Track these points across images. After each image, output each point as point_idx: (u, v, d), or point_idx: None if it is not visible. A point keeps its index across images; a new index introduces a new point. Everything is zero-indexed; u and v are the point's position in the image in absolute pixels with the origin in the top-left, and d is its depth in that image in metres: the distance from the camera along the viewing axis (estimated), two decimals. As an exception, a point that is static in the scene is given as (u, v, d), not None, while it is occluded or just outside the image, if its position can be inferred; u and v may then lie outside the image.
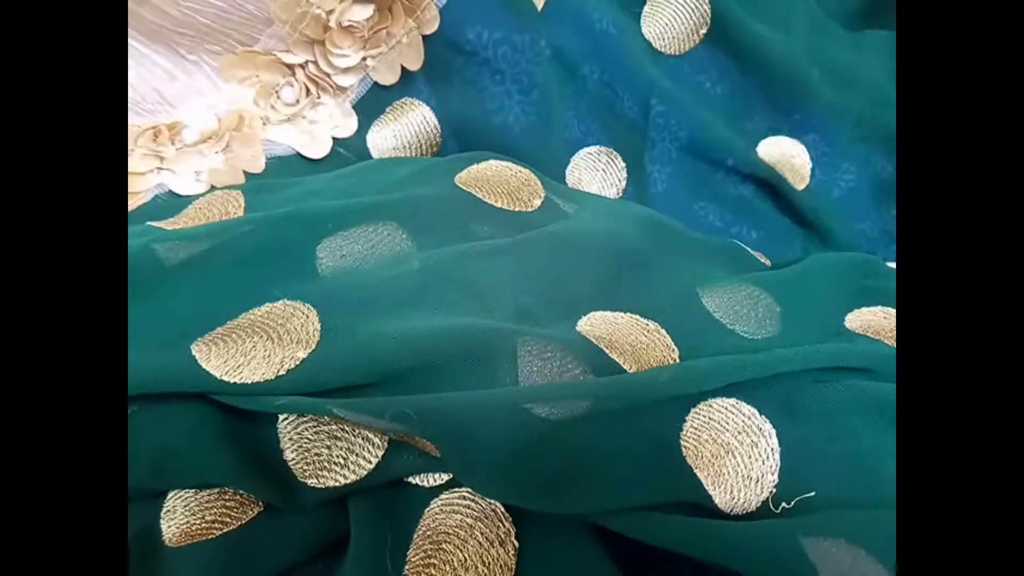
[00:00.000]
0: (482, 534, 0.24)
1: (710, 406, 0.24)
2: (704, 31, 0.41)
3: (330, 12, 0.36)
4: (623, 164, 0.42)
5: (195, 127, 0.37)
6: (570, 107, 0.41)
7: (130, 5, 0.35)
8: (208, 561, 0.24)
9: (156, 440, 0.25)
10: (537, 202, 0.35)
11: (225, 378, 0.25)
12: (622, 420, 0.24)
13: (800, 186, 0.42)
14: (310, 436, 0.26)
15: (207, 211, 0.33)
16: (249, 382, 0.25)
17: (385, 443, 0.25)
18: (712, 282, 0.30)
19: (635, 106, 0.41)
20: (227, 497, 0.25)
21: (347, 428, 0.26)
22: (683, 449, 0.24)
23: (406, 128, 0.39)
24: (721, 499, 0.23)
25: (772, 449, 0.24)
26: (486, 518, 0.24)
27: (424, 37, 0.37)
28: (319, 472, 0.25)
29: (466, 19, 0.38)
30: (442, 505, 0.25)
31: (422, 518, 0.25)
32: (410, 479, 0.26)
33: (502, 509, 0.25)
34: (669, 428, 0.24)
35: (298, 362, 0.26)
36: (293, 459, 0.25)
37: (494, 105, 0.39)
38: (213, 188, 0.36)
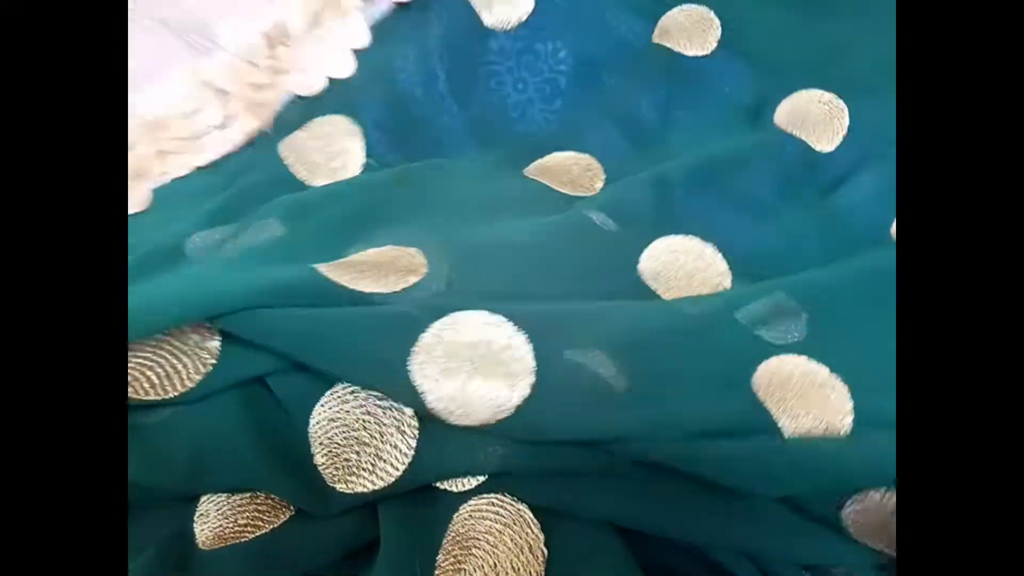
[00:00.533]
0: (512, 540, 0.24)
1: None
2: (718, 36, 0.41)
3: None
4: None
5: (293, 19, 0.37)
6: (592, 114, 0.41)
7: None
8: (240, 564, 0.25)
9: (192, 443, 0.25)
10: (599, 185, 0.37)
11: (348, 285, 0.27)
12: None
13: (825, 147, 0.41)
14: (339, 441, 0.26)
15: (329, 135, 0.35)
16: (367, 291, 0.27)
17: (412, 450, 0.26)
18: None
19: (655, 112, 0.41)
20: (259, 501, 0.26)
21: (376, 435, 0.26)
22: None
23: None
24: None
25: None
26: (515, 524, 0.25)
27: (449, 48, 0.38)
28: (347, 477, 0.26)
29: (490, 29, 0.38)
30: (471, 511, 0.25)
31: (451, 523, 0.25)
32: (439, 484, 0.26)
33: (530, 515, 0.25)
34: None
35: (410, 284, 0.28)
36: (323, 464, 0.26)
37: (517, 113, 0.39)
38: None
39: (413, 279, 0.29)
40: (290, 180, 0.34)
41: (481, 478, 0.26)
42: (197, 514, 0.26)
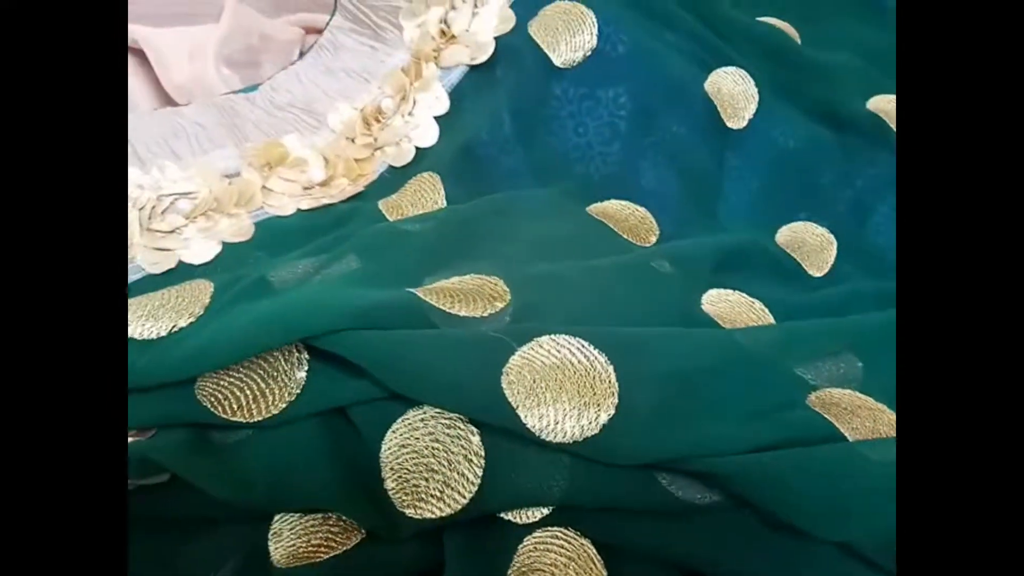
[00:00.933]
0: (575, 573, 0.25)
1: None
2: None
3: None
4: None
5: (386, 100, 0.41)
6: (647, 157, 0.42)
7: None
8: (316, 583, 0.25)
9: (270, 464, 0.26)
10: (653, 239, 0.38)
11: (443, 307, 0.29)
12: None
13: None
14: (409, 467, 0.27)
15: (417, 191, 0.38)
16: (462, 315, 0.29)
17: (479, 479, 0.27)
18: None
19: (710, 158, 0.42)
20: (331, 523, 0.27)
21: (444, 463, 0.27)
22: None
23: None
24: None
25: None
26: (579, 558, 0.25)
27: (512, 82, 0.40)
28: (416, 503, 0.26)
29: (552, 75, 0.40)
30: (536, 543, 0.26)
31: (516, 554, 0.26)
32: (504, 515, 0.27)
33: (594, 551, 0.26)
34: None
35: (497, 310, 0.29)
36: (393, 488, 0.27)
37: (576, 155, 0.41)
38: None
39: (500, 305, 0.30)
40: (388, 228, 0.36)
41: (545, 510, 0.26)
42: (271, 532, 0.27)
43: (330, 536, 0.27)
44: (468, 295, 0.30)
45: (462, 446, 0.27)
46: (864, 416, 0.28)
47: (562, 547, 0.26)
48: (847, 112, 0.42)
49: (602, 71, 0.41)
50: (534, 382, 0.27)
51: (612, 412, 0.26)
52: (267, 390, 0.27)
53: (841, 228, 0.42)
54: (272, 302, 0.29)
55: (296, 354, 0.28)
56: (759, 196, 0.42)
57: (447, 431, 0.27)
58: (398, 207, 0.38)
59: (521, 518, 0.27)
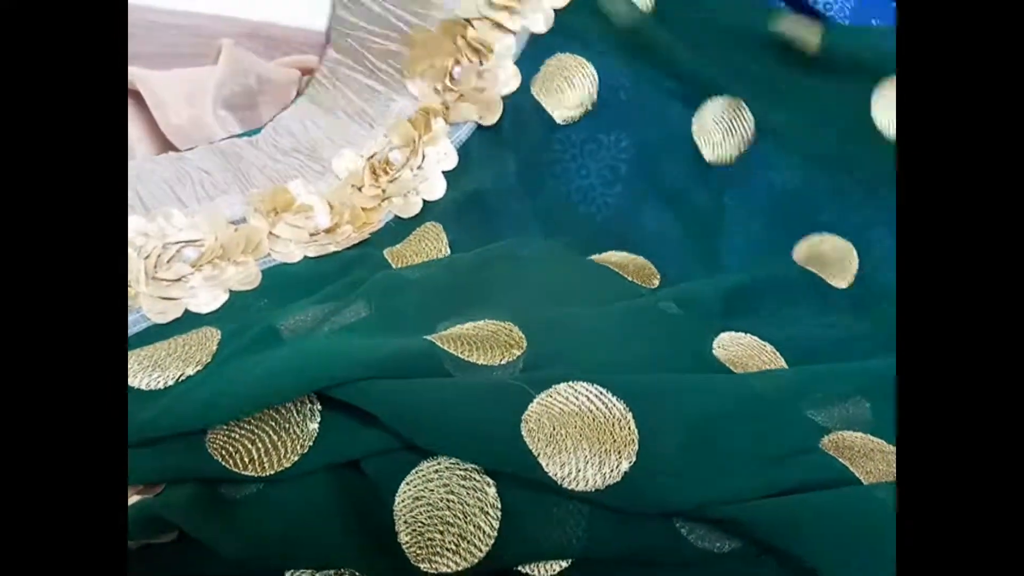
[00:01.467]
0: (597, 628, 0.24)
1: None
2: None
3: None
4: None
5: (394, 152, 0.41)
6: (648, 199, 0.43)
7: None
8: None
9: (281, 520, 0.26)
10: (656, 282, 0.40)
11: (459, 354, 0.29)
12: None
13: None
14: (424, 520, 0.27)
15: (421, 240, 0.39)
16: (479, 363, 0.29)
17: (495, 532, 0.26)
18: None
19: (710, 199, 0.43)
20: (344, 578, 0.26)
21: (460, 515, 0.26)
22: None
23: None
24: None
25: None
26: (599, 611, 0.25)
27: (517, 139, 0.40)
28: (431, 557, 0.26)
29: (556, 127, 0.41)
30: (553, 598, 0.25)
31: (535, 608, 0.25)
32: (523, 568, 0.26)
33: None
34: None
35: (514, 357, 0.29)
36: (407, 542, 0.26)
37: (578, 197, 0.41)
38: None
39: (516, 352, 0.30)
40: (394, 276, 0.37)
41: (564, 563, 0.26)
42: None
43: (344, 593, 0.26)
44: (484, 342, 0.30)
45: (478, 498, 0.27)
46: (878, 459, 0.28)
47: None
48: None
49: (604, 117, 0.42)
50: (554, 429, 0.26)
51: (633, 459, 0.26)
52: (279, 442, 0.27)
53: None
54: (284, 352, 0.28)
55: (308, 405, 0.28)
56: (760, 236, 0.43)
57: (462, 483, 0.27)
58: (402, 256, 0.38)
59: (540, 571, 0.26)
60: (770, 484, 0.26)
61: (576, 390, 0.28)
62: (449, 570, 0.26)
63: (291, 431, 0.27)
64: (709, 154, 0.43)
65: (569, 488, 0.26)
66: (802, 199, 0.43)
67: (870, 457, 0.28)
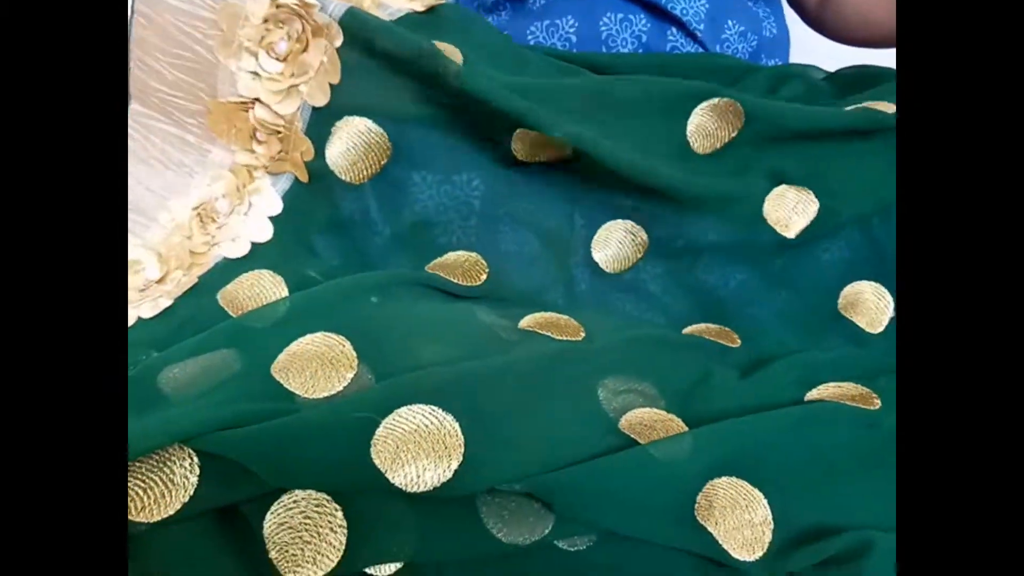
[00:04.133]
0: (421, 616, 0.32)
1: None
2: None
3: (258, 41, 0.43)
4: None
5: (220, 202, 0.44)
6: (506, 224, 0.48)
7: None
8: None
9: (164, 559, 0.33)
10: (483, 277, 0.46)
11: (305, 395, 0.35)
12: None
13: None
14: (287, 540, 0.33)
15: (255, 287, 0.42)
16: (322, 396, 0.35)
17: (343, 545, 0.33)
18: None
19: (562, 224, 0.49)
20: (225, 592, 0.33)
21: (315, 535, 0.33)
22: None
23: (355, 140, 0.46)
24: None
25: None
26: (426, 602, 0.32)
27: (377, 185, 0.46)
28: (295, 568, 0.33)
29: (413, 159, 0.46)
30: (390, 592, 0.33)
31: (375, 602, 0.33)
32: (368, 570, 0.33)
33: None
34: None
35: (348, 381, 0.36)
36: (276, 558, 0.33)
37: (439, 230, 0.47)
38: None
39: (349, 375, 0.36)
40: (232, 326, 0.40)
41: (398, 565, 0.33)
42: None
43: (225, 603, 0.33)
44: (321, 361, 0.36)
45: (328, 520, 0.34)
46: (659, 428, 0.36)
47: None
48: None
49: (456, 157, 0.47)
50: (396, 447, 0.33)
51: (460, 459, 0.33)
52: (166, 492, 0.33)
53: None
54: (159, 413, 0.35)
55: (189, 460, 0.34)
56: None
57: (316, 509, 0.34)
58: (235, 300, 0.41)
59: (380, 571, 0.33)
60: (570, 456, 0.34)
61: (413, 411, 0.34)
62: (309, 577, 0.33)
63: (176, 483, 0.33)
64: None
65: (412, 491, 0.33)
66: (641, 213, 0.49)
67: (654, 427, 0.36)
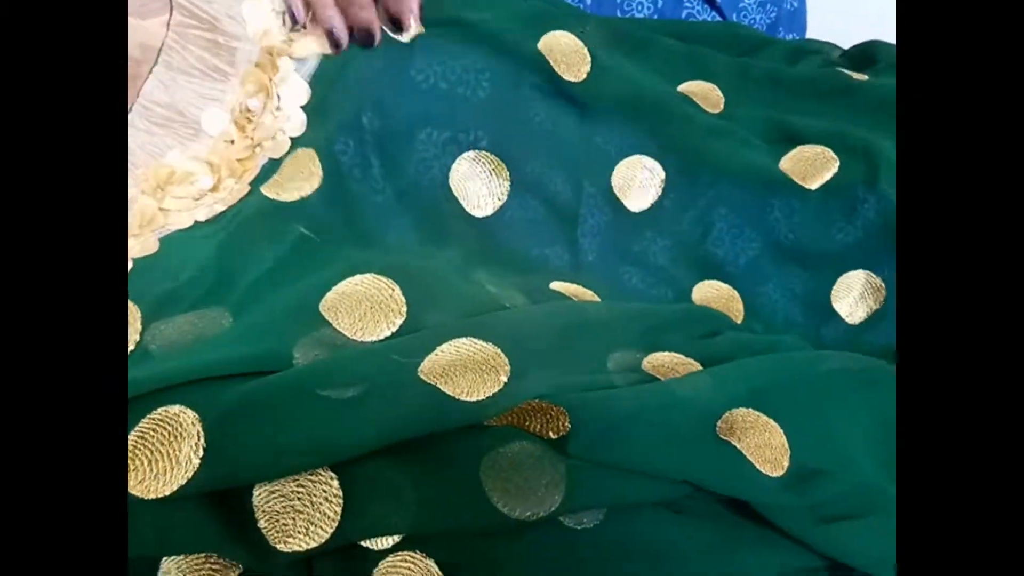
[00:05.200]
0: (417, 592, 0.30)
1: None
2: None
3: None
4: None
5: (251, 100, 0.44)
6: (513, 191, 0.46)
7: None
8: (198, 616, 0.30)
9: (156, 515, 0.30)
10: None
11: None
12: None
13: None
14: (279, 509, 0.31)
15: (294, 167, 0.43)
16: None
17: (338, 516, 0.31)
18: None
19: (568, 188, 0.47)
20: (212, 561, 0.31)
21: (308, 504, 0.31)
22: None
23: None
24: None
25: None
26: (421, 577, 0.31)
27: (382, 140, 0.43)
28: (286, 539, 0.31)
29: (413, 120, 0.44)
30: (388, 567, 0.31)
31: (371, 576, 0.31)
32: (363, 543, 0.32)
33: (436, 569, 0.31)
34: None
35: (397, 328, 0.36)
36: (266, 527, 0.31)
37: (443, 192, 0.45)
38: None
39: (399, 321, 0.36)
40: (270, 206, 0.41)
41: (397, 538, 0.31)
42: (161, 571, 0.31)
43: (211, 573, 0.31)
44: (365, 306, 0.35)
45: (323, 489, 0.32)
46: (680, 369, 0.36)
47: (409, 569, 0.31)
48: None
49: (462, 115, 0.44)
50: (444, 370, 0.33)
51: (508, 376, 0.33)
52: (168, 468, 0.31)
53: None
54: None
55: (193, 440, 0.32)
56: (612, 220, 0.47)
57: (310, 478, 0.32)
58: (277, 184, 0.42)
59: (377, 545, 0.31)
60: (594, 384, 0.34)
61: (456, 344, 0.34)
62: (301, 549, 0.31)
63: (182, 462, 0.31)
64: None
65: (465, 400, 0.32)
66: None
67: (675, 369, 0.36)
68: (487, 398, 0.32)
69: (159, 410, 0.31)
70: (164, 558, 0.31)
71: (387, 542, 0.31)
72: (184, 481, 0.31)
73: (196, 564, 0.31)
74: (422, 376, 0.33)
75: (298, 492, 0.32)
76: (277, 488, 0.32)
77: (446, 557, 0.31)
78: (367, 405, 0.32)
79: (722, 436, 0.33)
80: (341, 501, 0.31)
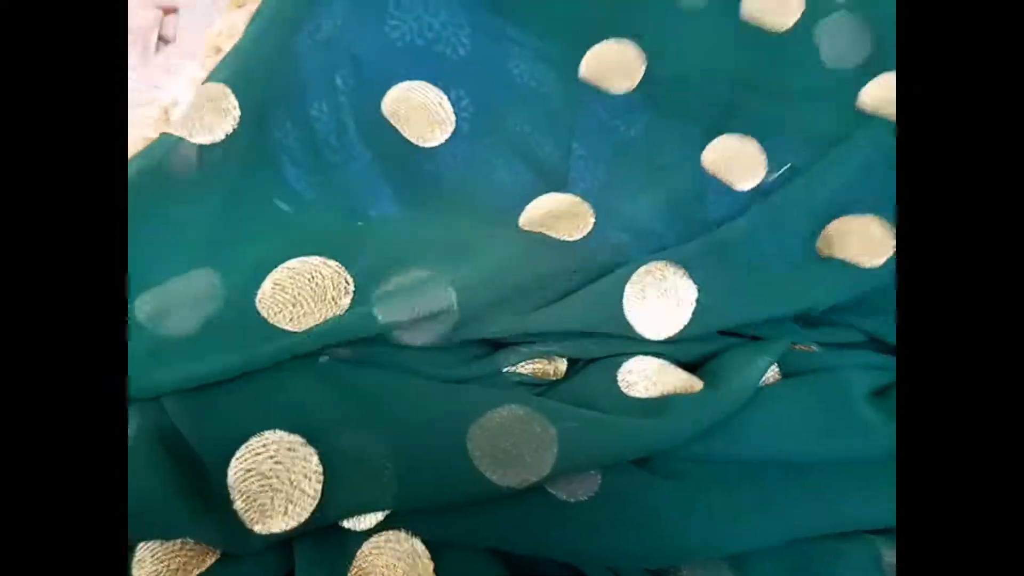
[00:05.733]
0: (403, 572, 0.28)
1: None
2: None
3: None
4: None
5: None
6: (497, 153, 0.44)
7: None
8: (174, 603, 0.28)
9: (130, 498, 0.29)
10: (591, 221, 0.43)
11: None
12: None
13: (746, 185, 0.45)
14: (256, 489, 0.30)
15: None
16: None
17: (319, 494, 0.30)
18: None
19: (556, 151, 0.44)
20: (189, 547, 0.30)
21: (286, 482, 0.30)
22: None
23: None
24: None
25: None
26: (408, 557, 0.29)
27: (357, 98, 0.41)
28: (264, 519, 0.29)
29: (393, 77, 0.41)
30: (372, 548, 0.29)
31: (355, 560, 0.29)
32: (343, 524, 0.30)
33: (422, 547, 0.29)
34: None
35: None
36: (242, 508, 0.30)
37: (424, 156, 0.42)
38: None
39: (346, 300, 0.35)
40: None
41: (380, 516, 0.30)
42: (135, 559, 0.29)
43: (189, 558, 0.29)
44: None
45: (303, 466, 0.30)
46: None
47: (393, 549, 0.29)
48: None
49: (444, 73, 0.42)
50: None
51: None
52: None
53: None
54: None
55: None
56: (605, 183, 0.45)
57: (288, 453, 0.30)
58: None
59: (358, 525, 0.30)
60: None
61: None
62: (279, 530, 0.29)
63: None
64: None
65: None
66: (646, 144, 0.45)
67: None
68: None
69: None
70: (139, 544, 0.30)
71: (370, 521, 0.30)
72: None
73: (172, 551, 0.30)
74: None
75: (276, 469, 0.30)
76: (253, 467, 0.30)
77: (432, 535, 0.30)
78: None
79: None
80: (322, 478, 0.30)
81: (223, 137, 0.38)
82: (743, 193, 0.43)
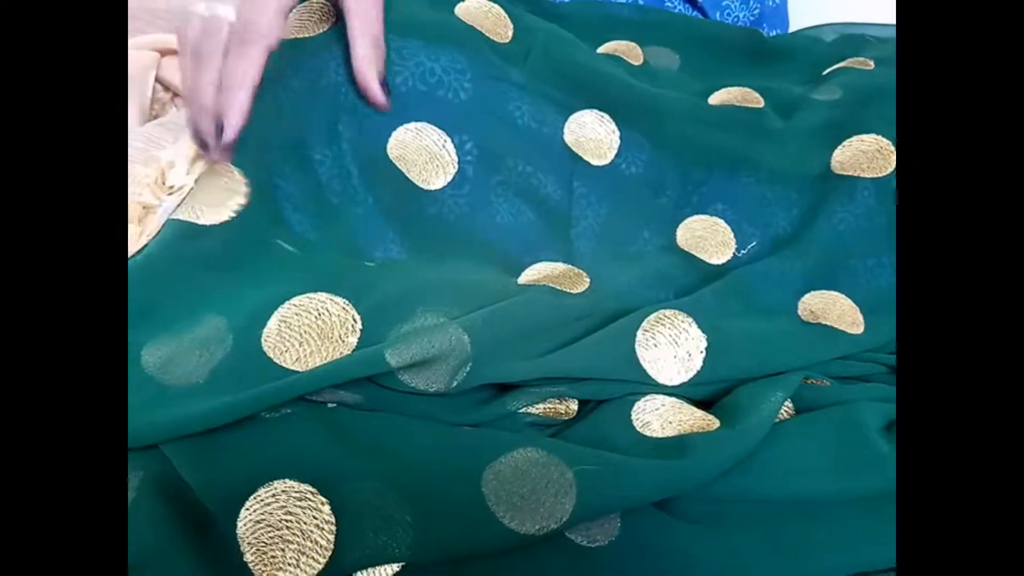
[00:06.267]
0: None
1: None
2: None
3: None
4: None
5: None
6: (499, 195, 0.44)
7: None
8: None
9: (131, 552, 0.28)
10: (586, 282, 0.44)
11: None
12: None
13: (716, 260, 0.46)
14: (266, 540, 0.29)
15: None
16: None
17: (332, 544, 0.29)
18: None
19: (559, 189, 0.45)
20: (194, 600, 0.29)
21: (298, 533, 0.29)
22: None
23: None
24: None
25: None
26: (423, 609, 0.28)
27: (359, 146, 0.41)
28: (275, 572, 0.28)
29: (395, 123, 0.42)
30: (386, 600, 0.28)
31: (369, 611, 0.28)
32: (358, 575, 0.29)
33: None
34: None
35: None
36: (252, 561, 0.29)
37: (428, 199, 0.43)
38: None
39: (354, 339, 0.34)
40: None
41: (395, 568, 0.29)
42: None
43: (196, 615, 0.28)
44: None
45: (313, 516, 0.29)
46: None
47: None
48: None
49: (447, 117, 0.42)
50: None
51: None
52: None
53: None
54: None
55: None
56: (607, 220, 0.45)
57: (298, 504, 0.29)
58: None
59: None
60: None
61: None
62: (291, 583, 0.28)
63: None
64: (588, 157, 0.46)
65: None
66: (645, 181, 0.46)
67: None
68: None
69: None
70: (142, 601, 0.29)
71: (385, 573, 0.29)
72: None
73: (177, 605, 0.29)
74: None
75: (286, 520, 0.29)
76: (263, 517, 0.29)
77: (447, 587, 0.29)
78: None
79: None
80: (334, 528, 0.29)
81: (229, 216, 0.38)
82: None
